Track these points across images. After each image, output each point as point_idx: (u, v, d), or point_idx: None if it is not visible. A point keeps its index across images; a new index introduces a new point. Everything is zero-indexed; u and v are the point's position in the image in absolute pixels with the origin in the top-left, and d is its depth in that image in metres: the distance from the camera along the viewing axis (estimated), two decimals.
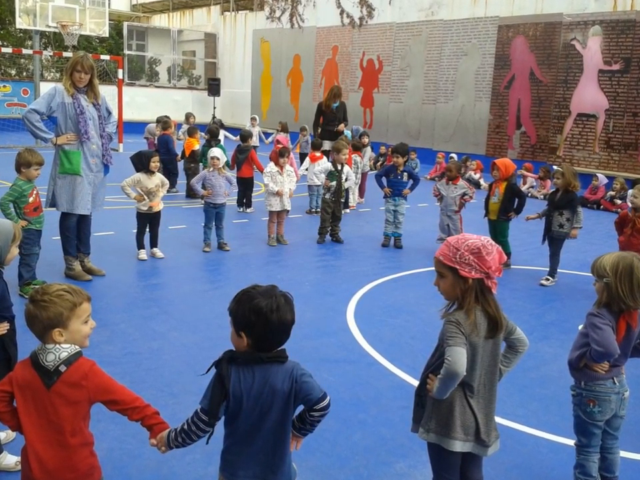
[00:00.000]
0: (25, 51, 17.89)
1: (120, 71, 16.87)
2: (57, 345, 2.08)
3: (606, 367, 2.70)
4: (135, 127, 19.20)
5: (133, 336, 4.60)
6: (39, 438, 2.09)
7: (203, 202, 7.48)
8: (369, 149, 11.26)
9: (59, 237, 5.84)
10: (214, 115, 22.37)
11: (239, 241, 7.65)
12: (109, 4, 20.25)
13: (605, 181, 11.91)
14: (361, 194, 10.92)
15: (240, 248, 7.34)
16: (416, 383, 2.66)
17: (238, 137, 10.49)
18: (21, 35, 23.34)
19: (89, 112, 5.54)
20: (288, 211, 7.71)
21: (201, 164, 10.24)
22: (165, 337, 4.62)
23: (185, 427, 2.07)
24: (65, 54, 16.39)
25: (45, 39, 22.94)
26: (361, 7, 18.98)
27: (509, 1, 15.47)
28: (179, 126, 13.43)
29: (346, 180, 7.96)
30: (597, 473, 2.83)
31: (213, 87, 23.20)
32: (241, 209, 9.64)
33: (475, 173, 13.60)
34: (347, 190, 8.75)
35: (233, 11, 24.62)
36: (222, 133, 12.21)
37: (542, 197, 11.89)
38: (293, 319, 2.05)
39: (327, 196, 7.82)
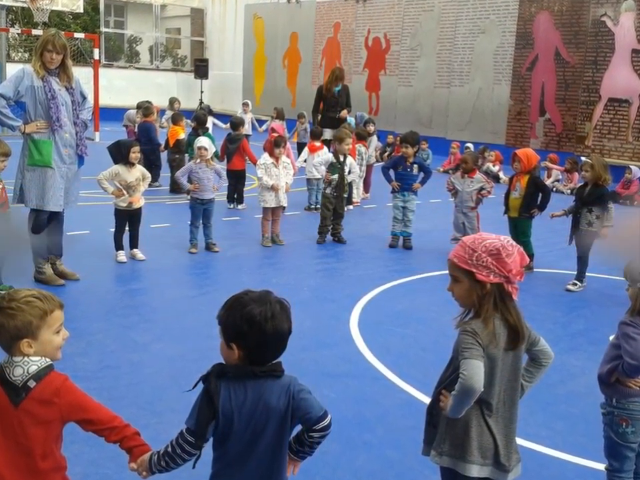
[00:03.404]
0: None
1: (96, 51, 16.89)
2: (26, 358, 2.08)
3: None
4: (113, 114, 19.19)
5: (110, 347, 4.60)
6: (6, 461, 2.09)
7: (188, 197, 7.48)
8: (374, 138, 11.26)
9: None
10: (201, 100, 22.37)
11: (229, 240, 7.66)
12: None
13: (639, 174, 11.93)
14: (366, 188, 10.93)
15: (230, 249, 7.34)
16: (427, 400, 2.66)
17: (228, 124, 10.49)
18: None
19: (61, 96, 5.54)
20: (284, 207, 7.72)
21: (186, 155, 10.25)
22: (146, 348, 4.63)
23: (169, 449, 2.07)
24: (34, 32, 16.40)
25: (12, 14, 22.92)
26: None
27: None
28: (162, 112, 13.43)
29: (349, 173, 7.97)
30: None
31: (200, 69, 23.20)
32: (232, 205, 9.64)
33: (494, 165, 13.61)
34: (350, 184, 8.76)
35: None
36: (210, 120, 12.21)
37: (569, 191, 11.90)
38: (289, 328, 2.05)
39: (328, 191, 7.82)
